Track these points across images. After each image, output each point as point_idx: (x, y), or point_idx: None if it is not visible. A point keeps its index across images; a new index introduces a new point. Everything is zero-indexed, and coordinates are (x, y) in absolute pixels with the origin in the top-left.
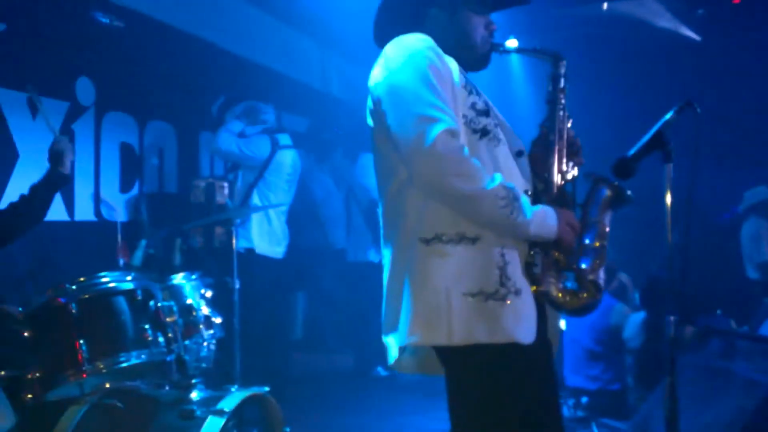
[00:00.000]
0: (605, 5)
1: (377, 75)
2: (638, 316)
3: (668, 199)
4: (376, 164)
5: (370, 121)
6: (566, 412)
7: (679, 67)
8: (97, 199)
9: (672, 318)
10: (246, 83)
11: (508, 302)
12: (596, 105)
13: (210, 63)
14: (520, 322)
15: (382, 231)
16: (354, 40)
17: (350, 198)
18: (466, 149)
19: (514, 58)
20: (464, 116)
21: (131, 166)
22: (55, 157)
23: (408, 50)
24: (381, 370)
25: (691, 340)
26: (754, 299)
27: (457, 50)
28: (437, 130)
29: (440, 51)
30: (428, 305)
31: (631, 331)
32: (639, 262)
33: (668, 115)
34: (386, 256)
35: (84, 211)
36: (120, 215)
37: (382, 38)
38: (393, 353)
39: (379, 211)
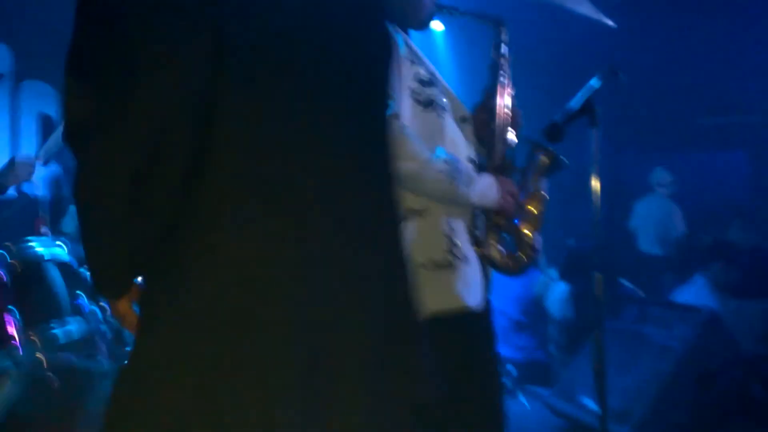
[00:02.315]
0: None
1: None
2: (560, 287)
3: (595, 165)
4: None
5: None
6: None
7: (597, 50)
8: None
9: (598, 276)
10: None
11: (458, 269)
12: (523, 78)
13: None
14: (469, 288)
15: None
16: None
17: None
18: (406, 128)
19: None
20: (409, 88)
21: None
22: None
23: None
24: None
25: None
26: (655, 272)
27: (401, 7)
28: None
29: None
30: None
31: (555, 302)
32: (546, 230)
33: (593, 80)
34: None
35: None
36: (39, 189)
37: None
38: None
39: None
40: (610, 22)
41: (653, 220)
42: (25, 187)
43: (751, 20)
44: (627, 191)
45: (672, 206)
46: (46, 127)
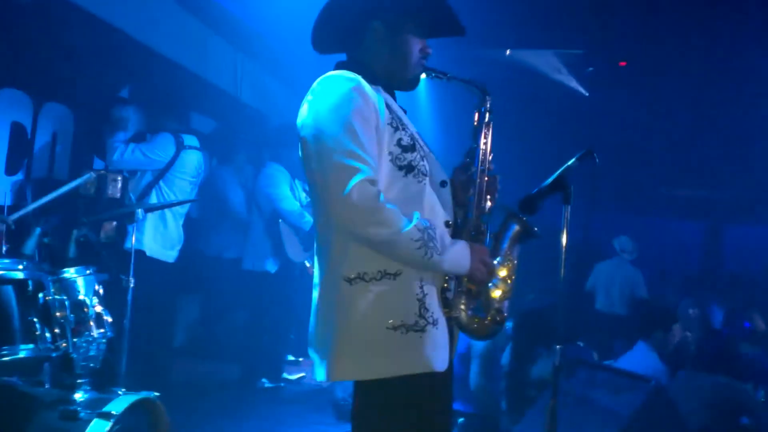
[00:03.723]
0: (508, 51)
1: (304, 115)
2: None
3: (564, 237)
4: (310, 193)
5: (300, 153)
6: None
7: (570, 115)
8: None
9: (558, 347)
10: (154, 76)
11: (427, 332)
12: (497, 142)
13: (118, 50)
14: (437, 351)
15: (315, 254)
16: (271, 50)
17: (251, 205)
18: (382, 196)
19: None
20: (390, 153)
21: (21, 148)
22: None
23: (334, 93)
24: (266, 382)
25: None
26: (608, 332)
27: (390, 68)
28: (355, 180)
29: (367, 90)
30: (354, 341)
31: (505, 357)
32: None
33: (571, 161)
34: (316, 279)
35: None
36: (4, 199)
37: (320, 44)
38: (320, 376)
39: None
40: (583, 91)
41: (618, 281)
42: None
43: (726, 101)
44: (590, 252)
45: (635, 270)
46: (18, 135)
